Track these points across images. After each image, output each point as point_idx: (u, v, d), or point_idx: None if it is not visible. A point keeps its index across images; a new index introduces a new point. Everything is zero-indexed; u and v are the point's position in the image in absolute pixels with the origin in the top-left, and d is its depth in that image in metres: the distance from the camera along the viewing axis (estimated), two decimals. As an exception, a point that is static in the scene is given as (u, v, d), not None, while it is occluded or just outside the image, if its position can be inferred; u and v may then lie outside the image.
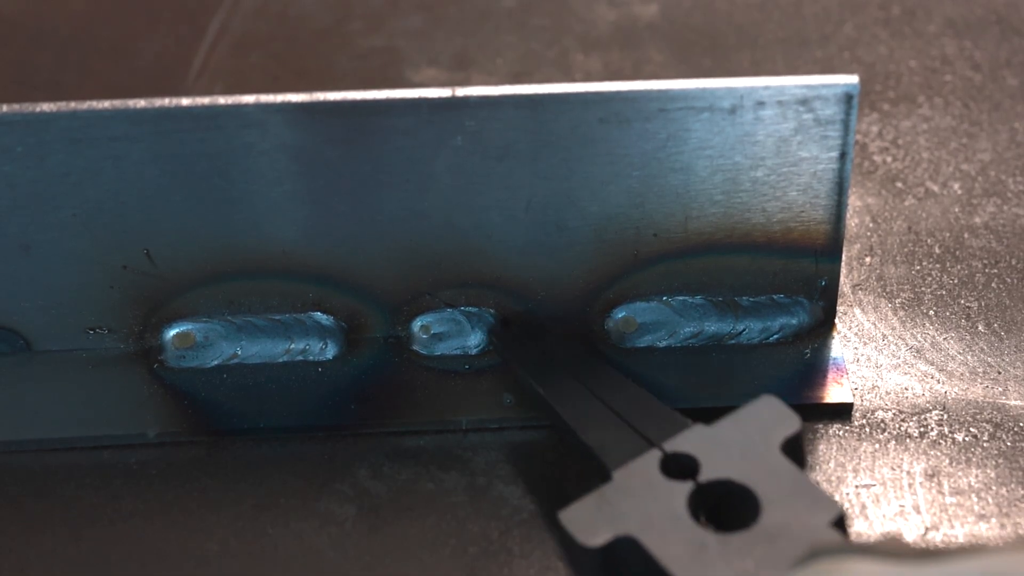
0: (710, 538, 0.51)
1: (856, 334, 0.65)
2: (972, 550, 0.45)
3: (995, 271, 0.68)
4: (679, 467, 0.54)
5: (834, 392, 0.62)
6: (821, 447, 0.60)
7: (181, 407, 0.61)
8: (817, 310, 0.64)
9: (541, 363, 0.60)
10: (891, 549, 0.46)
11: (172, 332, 0.63)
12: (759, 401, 0.55)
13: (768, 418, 0.54)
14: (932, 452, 0.60)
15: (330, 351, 0.63)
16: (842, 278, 0.67)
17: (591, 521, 0.52)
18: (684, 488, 0.53)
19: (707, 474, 0.53)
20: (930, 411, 0.61)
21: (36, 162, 0.58)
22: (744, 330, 0.63)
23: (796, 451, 0.54)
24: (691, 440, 0.54)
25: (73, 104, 0.57)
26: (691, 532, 0.51)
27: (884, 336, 0.65)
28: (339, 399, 0.62)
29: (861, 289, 0.67)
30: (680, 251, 0.62)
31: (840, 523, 0.51)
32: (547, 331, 0.62)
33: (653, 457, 0.54)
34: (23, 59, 0.83)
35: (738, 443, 0.54)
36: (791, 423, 0.54)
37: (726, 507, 0.53)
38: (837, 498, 0.58)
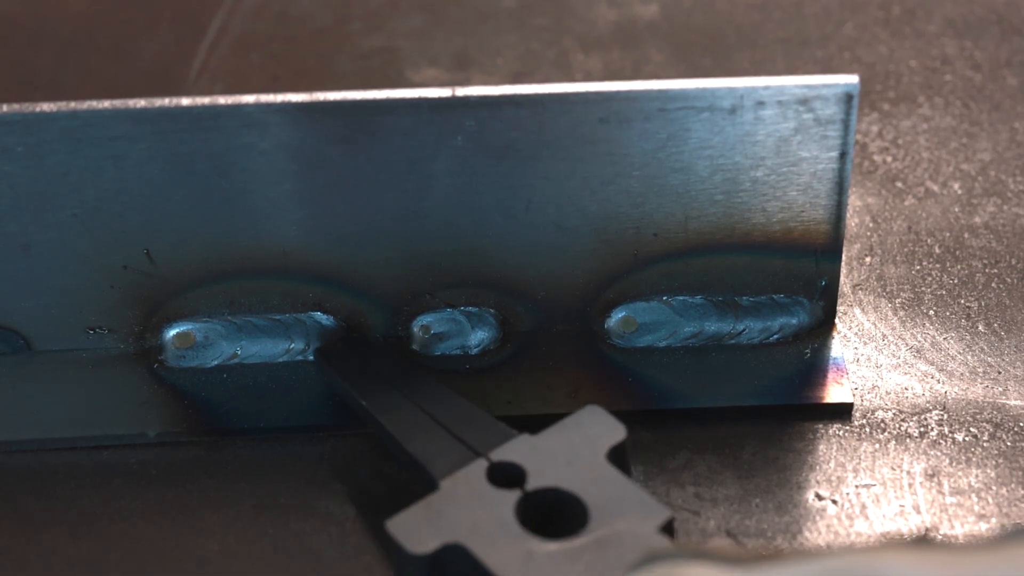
0: (539, 545, 0.51)
1: (856, 334, 0.65)
2: (807, 554, 0.45)
3: (995, 271, 0.68)
4: (505, 476, 0.54)
5: (834, 392, 0.62)
6: (821, 447, 0.60)
7: (181, 407, 0.61)
8: (817, 310, 0.64)
9: (364, 376, 0.60)
10: (724, 553, 0.46)
11: (172, 332, 0.63)
12: (584, 411, 0.55)
13: (593, 427, 0.55)
14: (932, 452, 0.60)
15: (330, 351, 0.63)
16: (842, 278, 0.67)
17: (419, 529, 0.52)
18: (511, 496, 0.53)
19: (534, 482, 0.53)
20: (930, 411, 0.61)
21: (36, 162, 0.58)
22: (744, 330, 0.63)
23: (622, 459, 0.54)
24: (517, 449, 0.54)
25: (73, 104, 0.57)
26: (520, 539, 0.51)
27: (884, 336, 0.65)
28: (339, 399, 0.62)
29: (861, 289, 0.67)
30: (680, 251, 0.62)
31: (668, 528, 0.52)
32: (370, 344, 0.62)
33: (479, 466, 0.54)
34: (23, 59, 0.83)
35: (564, 452, 0.54)
36: (616, 432, 0.54)
37: (554, 516, 0.53)
38: (837, 498, 0.58)
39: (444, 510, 0.52)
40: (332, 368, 0.61)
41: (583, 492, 0.52)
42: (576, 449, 0.54)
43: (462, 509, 0.52)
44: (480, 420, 0.56)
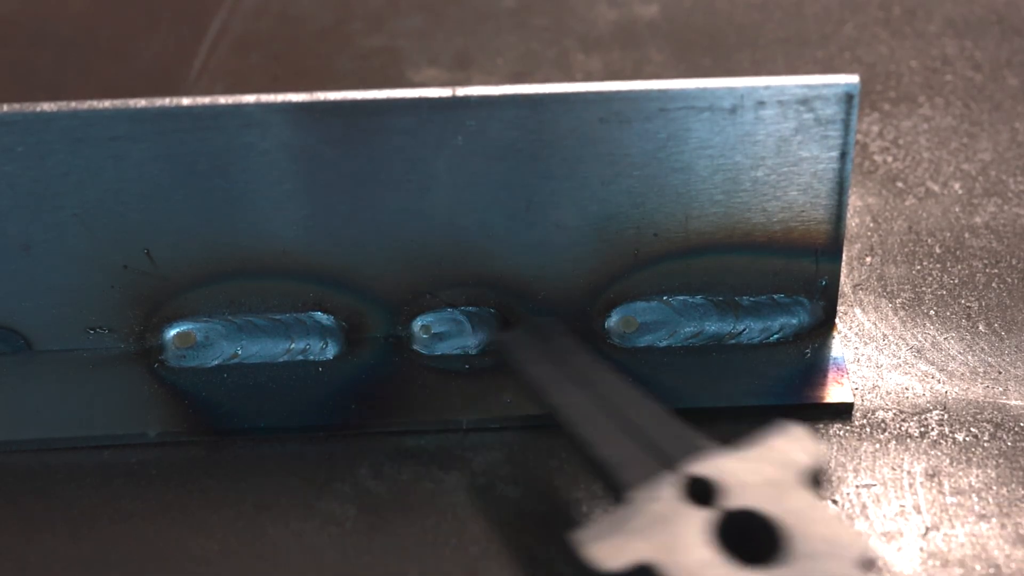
0: (737, 573, 0.48)
1: (856, 334, 0.65)
2: None
3: (996, 271, 0.67)
4: (700, 492, 0.51)
5: (834, 392, 0.62)
6: (821, 447, 0.60)
7: (181, 407, 0.61)
8: (817, 310, 0.64)
9: (548, 369, 0.57)
10: None
11: (172, 332, 0.63)
12: (783, 428, 0.52)
13: (793, 447, 0.52)
14: (932, 452, 0.60)
15: (331, 351, 0.63)
16: (842, 278, 0.67)
17: (608, 545, 0.49)
18: (707, 515, 0.50)
19: (729, 501, 0.50)
20: (930, 411, 0.61)
21: (37, 162, 0.58)
22: (744, 330, 0.63)
23: (818, 483, 0.51)
24: (712, 463, 0.51)
25: (74, 104, 0.57)
26: (716, 564, 0.48)
27: (884, 336, 0.65)
28: (339, 399, 0.62)
29: (861, 289, 0.67)
30: (680, 251, 0.62)
31: (869, 564, 0.49)
32: (555, 333, 0.59)
33: (672, 480, 0.51)
34: (23, 59, 0.83)
35: (763, 471, 0.50)
36: (818, 454, 0.52)
37: (745, 538, 0.50)
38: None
39: (635, 526, 0.49)
40: (517, 359, 0.58)
41: (783, 518, 0.49)
42: (776, 469, 0.50)
43: (655, 525, 0.49)
44: (673, 426, 0.53)
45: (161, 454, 0.60)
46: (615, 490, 0.51)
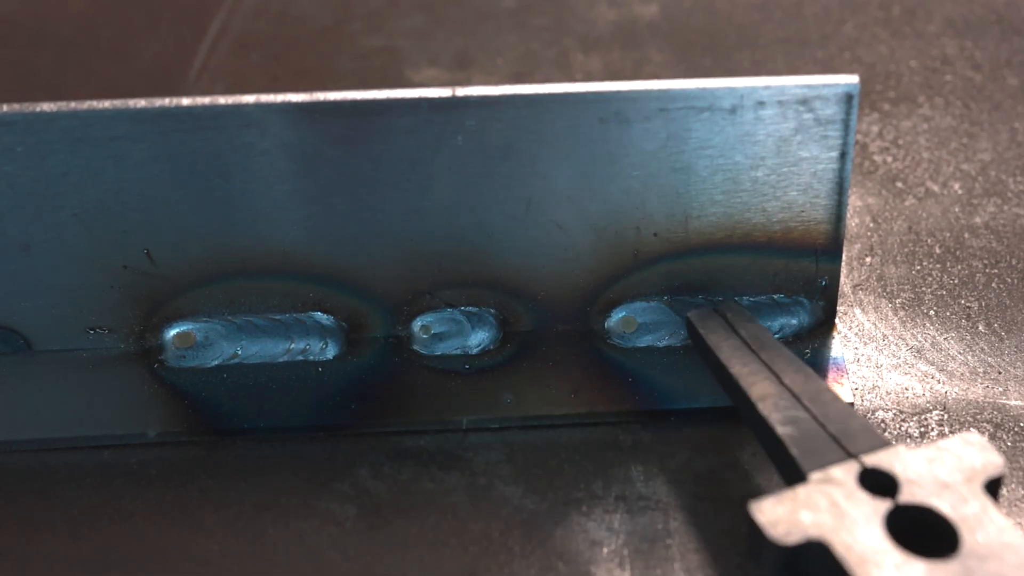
0: (906, 560, 0.49)
1: (856, 334, 0.65)
2: None
3: (995, 271, 0.67)
4: (877, 482, 0.52)
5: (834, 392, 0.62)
6: (821, 447, 0.60)
7: (181, 407, 0.61)
8: (817, 310, 0.64)
9: (737, 350, 0.58)
10: None
11: (172, 332, 0.63)
12: (962, 436, 0.53)
13: (972, 454, 0.53)
14: (932, 452, 0.60)
15: (330, 351, 0.63)
16: (842, 278, 0.67)
17: (784, 519, 0.50)
18: (883, 504, 0.51)
19: (906, 496, 0.51)
20: (930, 411, 0.61)
21: (36, 162, 0.58)
22: (744, 330, 0.63)
23: (995, 492, 0.52)
24: (891, 459, 0.52)
25: (73, 104, 0.57)
26: (887, 550, 0.49)
27: (884, 336, 0.65)
28: (339, 399, 0.62)
29: (861, 289, 0.67)
30: (680, 251, 0.62)
31: None
32: (744, 318, 0.60)
33: (851, 467, 0.52)
34: (23, 59, 0.83)
35: (940, 472, 0.52)
36: (995, 464, 0.52)
37: (919, 535, 0.51)
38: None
39: (812, 504, 0.51)
40: (706, 340, 0.59)
41: (956, 517, 0.50)
42: (952, 472, 0.52)
43: (830, 507, 0.51)
44: (856, 421, 0.54)
45: (161, 454, 0.60)
46: (794, 469, 0.53)
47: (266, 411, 0.61)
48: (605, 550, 0.56)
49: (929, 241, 0.69)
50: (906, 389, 0.62)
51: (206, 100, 0.58)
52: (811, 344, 0.64)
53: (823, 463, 0.52)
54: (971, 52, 0.81)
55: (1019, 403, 0.62)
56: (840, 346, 0.64)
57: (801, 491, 0.51)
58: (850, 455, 0.53)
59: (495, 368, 0.63)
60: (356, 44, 0.83)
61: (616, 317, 0.64)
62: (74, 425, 0.61)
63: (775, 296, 0.64)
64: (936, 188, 0.72)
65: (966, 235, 0.69)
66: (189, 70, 0.81)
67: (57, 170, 0.58)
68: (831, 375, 0.62)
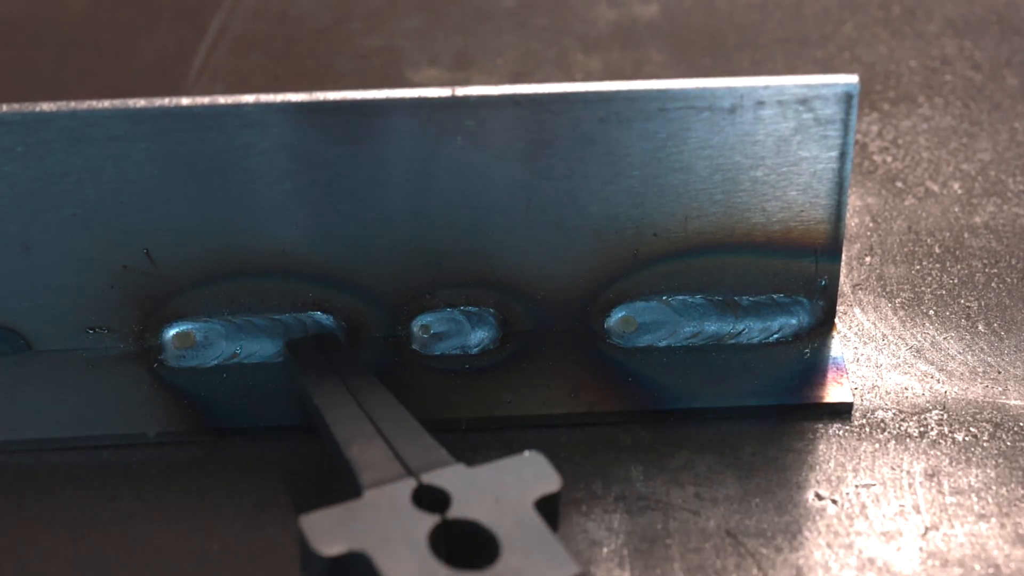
0: (442, 572, 0.50)
1: (856, 334, 0.65)
2: None
3: (995, 271, 0.68)
4: (431, 499, 0.53)
5: (834, 392, 0.62)
6: (821, 447, 0.60)
7: (181, 407, 0.61)
8: (817, 310, 0.64)
9: (323, 374, 0.59)
10: None
11: (172, 332, 0.63)
12: (525, 455, 0.55)
13: (529, 472, 0.54)
14: (932, 452, 0.60)
15: (330, 351, 0.63)
16: (842, 278, 0.67)
17: (331, 531, 0.51)
18: (430, 520, 0.52)
19: (455, 512, 0.53)
20: (930, 411, 0.61)
21: (36, 162, 0.58)
22: (744, 330, 0.63)
23: (551, 511, 0.53)
24: (449, 477, 0.54)
25: (73, 104, 0.57)
26: (425, 562, 0.51)
27: (884, 336, 0.65)
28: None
29: (861, 289, 0.67)
30: (680, 251, 0.62)
31: None
32: (339, 345, 0.62)
33: (407, 484, 0.53)
34: (23, 59, 0.83)
35: (494, 489, 0.53)
36: (550, 482, 0.54)
37: (469, 550, 0.52)
38: (837, 498, 0.58)
39: (361, 518, 0.52)
40: (296, 362, 0.61)
41: (500, 531, 0.52)
42: (507, 489, 0.53)
43: (378, 521, 0.52)
44: (422, 441, 0.56)
45: (161, 454, 0.60)
46: (354, 485, 0.54)
47: (266, 411, 0.61)
48: (605, 550, 0.56)
49: (929, 241, 0.69)
50: (906, 389, 0.62)
51: (206, 100, 0.58)
52: (811, 344, 0.64)
53: (381, 480, 0.54)
54: (971, 52, 0.81)
55: (1019, 403, 0.62)
56: (840, 346, 0.64)
57: (353, 505, 0.53)
58: (409, 473, 0.54)
59: (495, 368, 0.63)
60: (356, 44, 0.83)
61: (616, 317, 0.64)
62: (74, 425, 0.61)
63: (775, 296, 0.64)
64: (936, 188, 0.72)
65: (966, 235, 0.69)
66: (189, 70, 0.81)
67: (57, 170, 0.58)
68: (830, 375, 0.62)
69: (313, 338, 0.62)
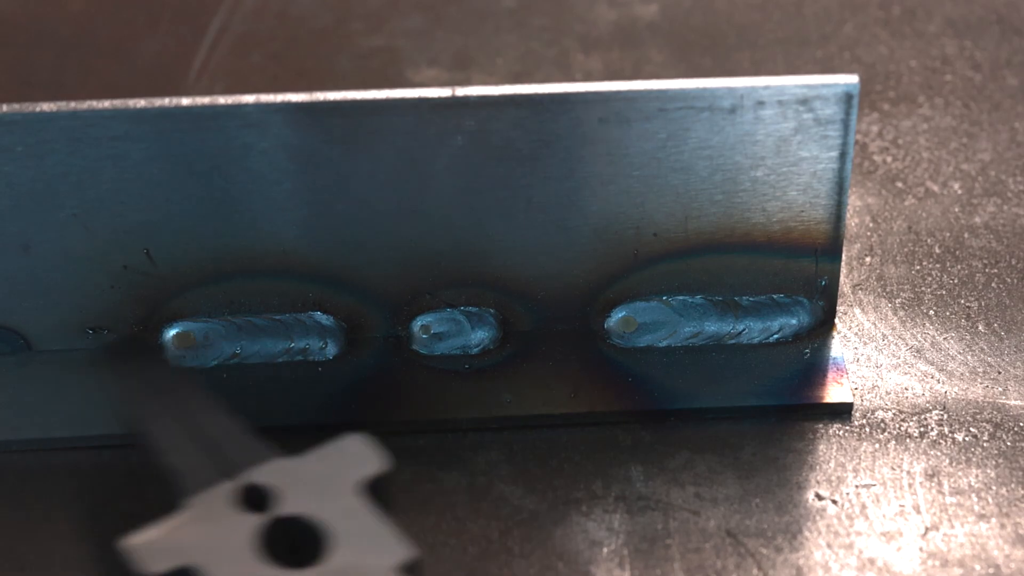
0: (273, 573, 0.50)
1: (856, 334, 0.65)
2: None
3: (995, 271, 0.68)
4: (255, 499, 0.52)
5: (834, 392, 0.62)
6: (821, 447, 0.60)
7: (181, 407, 0.61)
8: (817, 310, 0.64)
9: (136, 381, 0.57)
10: None
11: (172, 332, 0.63)
12: (346, 439, 0.53)
13: (353, 456, 0.53)
14: (932, 452, 0.60)
15: (330, 351, 0.63)
16: (842, 278, 0.67)
17: (156, 549, 0.50)
18: (255, 521, 0.51)
19: (282, 508, 0.51)
20: (930, 411, 0.61)
21: (36, 162, 0.58)
22: (744, 330, 0.63)
23: (381, 492, 0.52)
24: (271, 473, 0.52)
25: (73, 104, 0.57)
26: (255, 566, 0.50)
27: (884, 336, 0.65)
28: (339, 398, 0.62)
29: (861, 289, 0.67)
30: (680, 251, 0.62)
31: (413, 568, 0.50)
32: (151, 350, 0.60)
33: (229, 488, 0.52)
34: (23, 59, 0.83)
35: (319, 479, 0.52)
36: (375, 463, 0.53)
37: (302, 543, 0.51)
38: (837, 498, 0.58)
39: (185, 530, 0.51)
40: (109, 369, 0.59)
41: (331, 522, 0.51)
42: (332, 477, 0.52)
43: (204, 531, 0.51)
44: (240, 440, 0.54)
45: (161, 454, 0.60)
46: (179, 498, 0.53)
47: (266, 411, 0.61)
48: (605, 550, 0.57)
49: (929, 241, 0.69)
50: (906, 389, 0.62)
51: (206, 100, 0.58)
52: (811, 344, 0.64)
53: (200, 486, 0.52)
54: (971, 52, 0.81)
55: (1019, 403, 0.62)
56: (840, 346, 0.64)
57: (176, 518, 0.51)
58: (228, 475, 0.52)
59: (495, 368, 0.63)
60: (356, 44, 0.83)
61: (616, 317, 0.64)
62: (74, 425, 0.61)
63: (775, 296, 0.64)
64: (936, 188, 0.72)
65: (966, 235, 0.69)
66: (189, 70, 0.81)
67: (57, 170, 0.58)
68: (830, 375, 0.62)
69: (127, 343, 0.61)
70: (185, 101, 0.57)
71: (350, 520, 0.51)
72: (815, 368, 0.63)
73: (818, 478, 0.59)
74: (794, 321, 0.64)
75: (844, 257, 0.65)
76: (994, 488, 0.58)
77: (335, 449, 0.53)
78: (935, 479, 0.59)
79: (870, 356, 0.64)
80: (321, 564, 0.50)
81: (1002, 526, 0.57)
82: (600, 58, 0.82)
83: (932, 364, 0.63)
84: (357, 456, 0.53)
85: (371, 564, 0.50)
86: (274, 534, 0.51)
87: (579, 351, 0.63)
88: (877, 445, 0.60)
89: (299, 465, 0.53)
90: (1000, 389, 0.62)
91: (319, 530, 0.51)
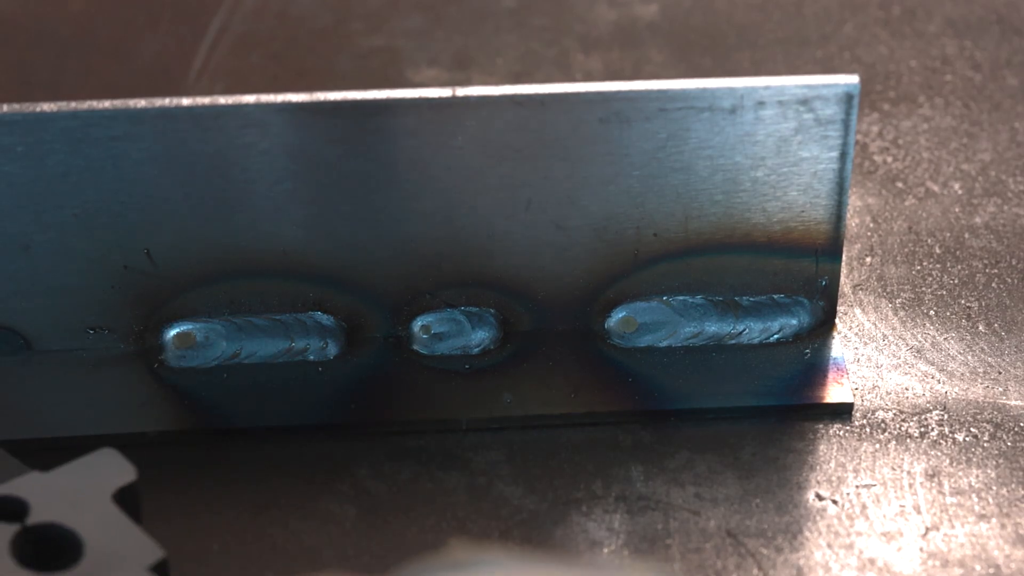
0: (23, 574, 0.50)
1: (856, 334, 0.65)
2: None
3: (995, 271, 0.67)
4: (7, 511, 0.52)
5: (834, 392, 0.62)
6: (821, 447, 0.60)
7: (181, 407, 0.61)
8: (817, 310, 0.64)
9: None
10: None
11: (172, 332, 0.63)
12: (98, 453, 0.54)
13: (104, 468, 0.54)
14: (932, 452, 0.60)
15: (331, 351, 0.63)
16: (842, 278, 0.67)
17: None
18: (8, 530, 0.52)
19: (34, 517, 0.52)
20: (930, 411, 0.61)
21: (36, 162, 0.58)
22: (744, 330, 0.63)
23: (132, 501, 0.53)
24: (23, 485, 0.53)
25: (73, 104, 0.57)
26: (11, 571, 0.50)
27: (884, 336, 0.65)
28: (339, 398, 0.62)
29: (861, 289, 0.67)
30: (680, 251, 0.62)
31: (159, 568, 0.51)
32: None
33: None
34: (23, 59, 0.83)
35: (72, 490, 0.53)
36: (126, 473, 0.54)
37: (56, 553, 0.52)
38: (837, 498, 0.58)
39: None
40: None
41: (82, 528, 0.52)
42: (85, 487, 0.53)
43: None
44: None
45: (161, 454, 0.60)
46: None
47: (266, 411, 0.61)
48: (605, 550, 0.57)
49: (929, 241, 0.69)
50: (906, 389, 0.62)
51: (206, 100, 0.58)
52: (811, 344, 0.64)
53: None
54: (971, 52, 0.81)
55: (1019, 403, 0.62)
56: (840, 346, 0.64)
57: None
58: None
59: (495, 368, 0.63)
60: (356, 44, 0.83)
61: (616, 317, 0.64)
62: (74, 425, 0.61)
63: (775, 296, 0.64)
64: (936, 188, 0.72)
65: (966, 235, 0.69)
66: (189, 70, 0.81)
67: (57, 170, 0.58)
68: (831, 375, 0.62)
69: None
70: (185, 101, 0.57)
71: (102, 526, 0.52)
72: (815, 368, 0.63)
73: (818, 478, 0.59)
74: (794, 321, 0.64)
75: (844, 257, 0.65)
76: (994, 488, 0.58)
77: (89, 462, 0.54)
78: (935, 479, 0.59)
79: (870, 356, 0.64)
80: (73, 569, 0.51)
81: (1002, 526, 0.57)
82: (600, 58, 0.82)
83: (932, 364, 0.63)
84: (109, 467, 0.54)
85: (124, 566, 0.51)
86: (29, 543, 0.52)
87: (579, 351, 0.63)
88: (877, 445, 0.60)
89: (53, 478, 0.54)
90: (1000, 389, 0.62)
91: (74, 536, 0.52)
